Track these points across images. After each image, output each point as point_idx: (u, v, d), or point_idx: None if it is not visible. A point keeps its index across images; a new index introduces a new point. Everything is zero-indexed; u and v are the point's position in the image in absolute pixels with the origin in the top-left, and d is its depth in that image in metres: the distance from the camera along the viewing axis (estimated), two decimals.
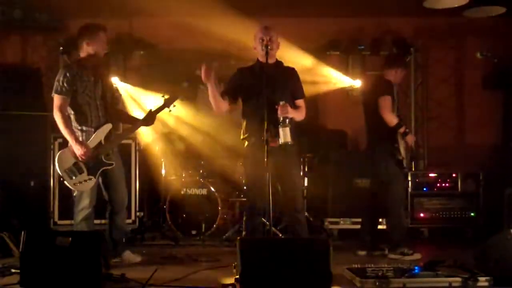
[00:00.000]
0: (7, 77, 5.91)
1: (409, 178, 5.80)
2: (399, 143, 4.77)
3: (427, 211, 5.90)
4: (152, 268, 4.07)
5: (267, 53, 4.03)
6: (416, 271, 3.76)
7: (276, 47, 4.18)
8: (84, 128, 4.27)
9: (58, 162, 4.20)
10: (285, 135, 3.88)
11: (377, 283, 3.50)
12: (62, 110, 4.19)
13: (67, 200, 5.69)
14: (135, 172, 5.93)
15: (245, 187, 5.46)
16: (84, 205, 4.27)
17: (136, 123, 4.55)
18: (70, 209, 5.64)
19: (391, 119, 4.75)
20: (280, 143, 3.92)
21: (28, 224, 5.08)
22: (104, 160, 4.27)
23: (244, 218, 4.75)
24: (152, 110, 4.49)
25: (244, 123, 4.30)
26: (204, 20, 6.61)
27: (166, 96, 4.56)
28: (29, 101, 5.85)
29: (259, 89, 4.03)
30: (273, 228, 4.45)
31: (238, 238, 3.36)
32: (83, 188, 4.22)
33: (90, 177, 4.21)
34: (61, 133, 5.74)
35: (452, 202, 5.87)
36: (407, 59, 6.72)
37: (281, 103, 3.96)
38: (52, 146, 5.77)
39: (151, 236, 5.79)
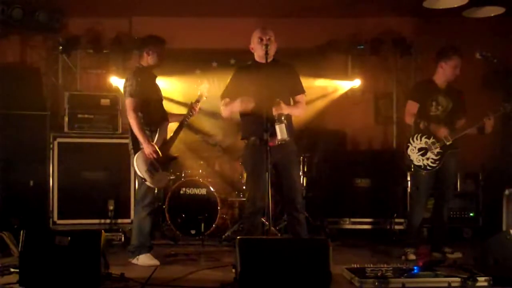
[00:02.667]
0: (7, 77, 5.91)
1: (408, 178, 5.80)
2: (410, 143, 4.80)
3: (426, 211, 5.90)
4: (152, 267, 4.08)
5: (266, 53, 4.03)
6: (416, 271, 3.76)
7: (274, 48, 4.18)
8: (150, 128, 4.44)
9: (137, 166, 4.36)
10: (281, 131, 3.89)
11: (376, 283, 3.50)
12: (136, 111, 4.36)
13: (66, 199, 5.72)
14: (134, 171, 5.92)
15: (244, 187, 5.47)
16: (150, 201, 4.44)
17: (184, 117, 4.65)
18: (70, 208, 5.70)
19: (409, 121, 4.87)
20: (277, 140, 3.92)
21: (27, 224, 5.08)
22: (172, 155, 4.54)
23: (243, 218, 4.75)
24: (193, 102, 4.65)
25: (243, 123, 4.31)
26: (204, 20, 6.62)
27: (201, 86, 4.72)
28: (29, 101, 5.85)
29: (257, 89, 4.03)
30: (273, 228, 4.45)
31: (238, 238, 3.36)
32: (162, 184, 4.53)
33: (166, 172, 4.47)
34: (61, 133, 5.85)
35: (452, 202, 5.86)
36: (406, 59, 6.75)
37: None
38: (51, 146, 5.77)
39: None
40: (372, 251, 5.18)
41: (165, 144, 4.49)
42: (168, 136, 4.57)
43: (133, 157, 4.37)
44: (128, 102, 4.38)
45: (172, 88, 6.37)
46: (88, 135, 5.89)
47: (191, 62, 6.59)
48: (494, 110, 4.75)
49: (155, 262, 4.35)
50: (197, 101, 4.67)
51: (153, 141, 4.39)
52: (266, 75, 4.02)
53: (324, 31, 6.71)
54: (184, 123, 4.64)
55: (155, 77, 4.66)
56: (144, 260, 4.36)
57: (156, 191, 4.53)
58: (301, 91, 4.33)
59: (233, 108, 4.23)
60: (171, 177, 6.01)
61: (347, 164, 6.19)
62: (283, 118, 3.92)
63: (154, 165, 4.36)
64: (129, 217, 5.67)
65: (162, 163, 4.40)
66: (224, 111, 4.29)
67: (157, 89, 4.63)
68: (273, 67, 4.19)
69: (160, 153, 4.35)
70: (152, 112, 4.47)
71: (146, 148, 4.32)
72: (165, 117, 4.60)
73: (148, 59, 4.53)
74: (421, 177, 4.79)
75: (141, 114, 4.40)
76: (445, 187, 4.92)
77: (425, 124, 4.73)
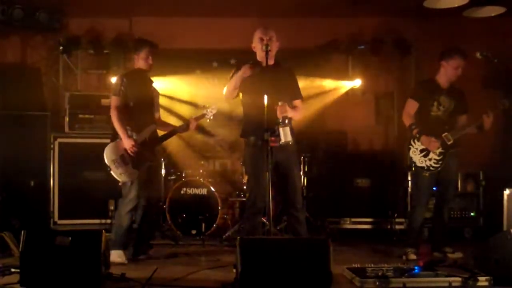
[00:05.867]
0: (7, 77, 5.91)
1: (409, 178, 5.80)
2: (412, 145, 4.80)
3: (427, 210, 5.91)
4: (152, 267, 4.07)
5: (267, 53, 4.02)
6: (416, 271, 3.76)
7: (275, 48, 4.18)
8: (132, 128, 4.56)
9: (106, 153, 4.51)
10: (285, 134, 3.89)
11: (377, 283, 3.50)
12: (117, 109, 4.54)
13: (67, 200, 5.72)
14: None
15: (245, 187, 5.47)
16: (131, 197, 4.51)
17: (175, 128, 4.85)
18: (70, 208, 5.71)
19: (405, 121, 4.85)
20: (280, 142, 3.92)
21: (28, 224, 5.08)
22: (149, 156, 4.57)
23: (244, 218, 4.75)
24: (192, 118, 4.85)
25: (245, 123, 4.31)
26: (204, 20, 6.62)
27: (208, 106, 4.87)
28: (30, 101, 5.85)
29: (260, 90, 4.04)
30: (273, 228, 4.44)
31: (238, 237, 3.36)
32: (126, 178, 4.49)
33: (135, 170, 4.49)
34: (61, 133, 5.86)
35: (452, 202, 5.87)
36: (406, 59, 6.75)
37: (279, 103, 3.96)
38: (52, 146, 5.78)
39: None
40: (372, 251, 5.19)
41: (144, 144, 4.54)
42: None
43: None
44: (112, 100, 4.57)
45: (176, 87, 6.39)
46: (88, 135, 5.89)
47: (192, 62, 6.60)
48: (493, 107, 4.75)
49: (123, 260, 4.41)
50: (197, 118, 4.84)
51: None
52: (268, 76, 4.03)
53: (325, 31, 6.71)
54: (173, 133, 4.82)
55: (149, 81, 4.78)
56: (114, 256, 4.31)
57: (140, 189, 4.52)
58: (300, 96, 4.36)
59: (236, 81, 4.20)
60: (172, 177, 6.04)
61: (348, 164, 6.19)
62: (287, 121, 3.92)
63: (125, 159, 4.47)
64: None
65: (134, 160, 4.47)
66: (228, 87, 4.26)
67: (147, 93, 4.72)
68: (275, 69, 4.20)
69: (136, 150, 4.46)
70: (136, 113, 4.57)
71: (125, 142, 4.46)
72: (152, 121, 4.70)
73: (138, 63, 4.70)
74: (423, 178, 4.78)
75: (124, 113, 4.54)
76: (446, 187, 4.92)
77: (417, 136, 4.75)
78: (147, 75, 4.77)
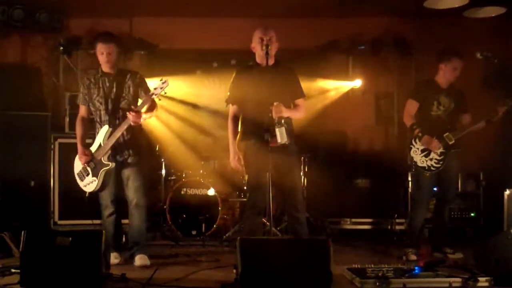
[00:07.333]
0: (8, 77, 5.91)
1: (409, 178, 5.80)
2: (413, 145, 4.80)
3: (427, 211, 5.91)
4: (152, 268, 4.08)
5: (267, 53, 4.02)
6: (417, 271, 3.77)
7: (275, 48, 4.17)
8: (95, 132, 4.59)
9: (74, 167, 4.55)
10: (281, 135, 3.87)
11: (377, 284, 3.50)
12: (79, 118, 4.61)
13: (67, 200, 5.72)
14: None
15: (245, 187, 5.47)
16: (105, 204, 4.52)
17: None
18: (71, 209, 5.71)
19: (406, 121, 4.86)
20: (277, 143, 3.91)
21: (28, 224, 5.08)
22: (104, 162, 4.41)
23: (244, 218, 4.75)
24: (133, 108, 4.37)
25: (244, 124, 4.29)
26: (205, 20, 6.62)
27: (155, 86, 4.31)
28: (29, 101, 5.85)
29: (259, 91, 4.03)
30: (273, 228, 4.44)
31: (238, 238, 3.36)
32: (91, 189, 4.47)
33: (94, 178, 4.43)
34: (62, 134, 5.86)
35: (453, 202, 5.87)
36: (407, 59, 6.75)
37: (274, 103, 3.95)
38: (52, 146, 5.78)
39: (151, 236, 5.76)
40: (373, 252, 5.18)
41: (100, 149, 4.43)
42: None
43: None
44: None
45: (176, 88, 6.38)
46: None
47: (192, 62, 6.60)
48: (502, 103, 4.74)
49: (118, 260, 4.41)
50: (141, 106, 4.30)
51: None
52: (267, 77, 4.03)
53: (325, 31, 6.71)
54: (115, 133, 4.35)
55: (113, 77, 4.44)
56: None
57: (111, 194, 4.47)
58: (302, 95, 4.33)
59: (230, 146, 4.30)
60: (172, 178, 6.04)
61: (348, 164, 6.19)
62: (283, 122, 3.91)
63: (85, 170, 4.46)
64: None
65: (92, 169, 4.43)
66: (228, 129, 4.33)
67: (109, 94, 4.41)
68: (274, 69, 4.19)
69: (86, 159, 4.41)
70: (99, 118, 4.50)
71: (78, 155, 4.48)
72: (106, 122, 4.44)
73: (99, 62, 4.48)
74: (424, 178, 4.78)
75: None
76: (447, 188, 4.91)
77: (418, 136, 4.74)
78: (112, 71, 4.45)
